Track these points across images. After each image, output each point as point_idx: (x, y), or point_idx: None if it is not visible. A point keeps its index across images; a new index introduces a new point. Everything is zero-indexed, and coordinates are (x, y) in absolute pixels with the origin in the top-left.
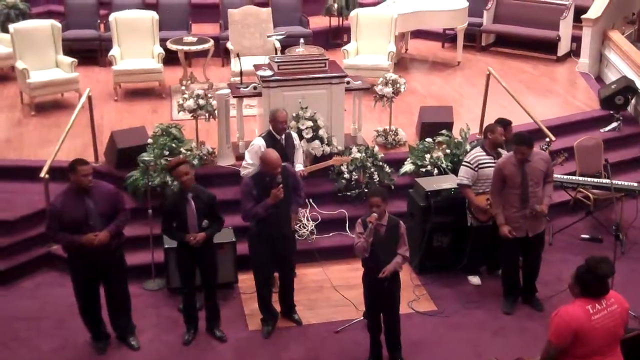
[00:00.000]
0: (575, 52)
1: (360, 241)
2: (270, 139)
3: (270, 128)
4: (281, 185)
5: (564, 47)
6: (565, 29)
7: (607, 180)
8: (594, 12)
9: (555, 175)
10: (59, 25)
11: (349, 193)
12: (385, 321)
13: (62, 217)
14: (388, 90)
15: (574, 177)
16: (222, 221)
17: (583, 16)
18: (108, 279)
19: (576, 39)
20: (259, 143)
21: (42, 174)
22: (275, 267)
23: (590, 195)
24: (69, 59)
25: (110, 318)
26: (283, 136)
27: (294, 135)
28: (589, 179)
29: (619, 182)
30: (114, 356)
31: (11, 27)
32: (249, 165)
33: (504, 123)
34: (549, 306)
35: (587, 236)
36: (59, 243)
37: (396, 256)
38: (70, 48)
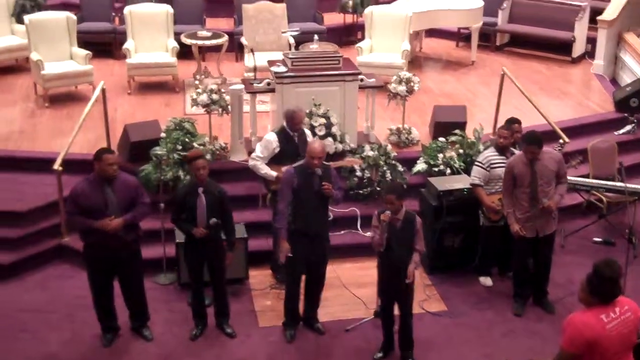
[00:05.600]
0: (590, 54)
1: (375, 236)
2: (283, 136)
3: (285, 124)
4: (324, 183)
5: (578, 49)
6: (581, 30)
7: (621, 184)
8: (609, 13)
9: (568, 178)
10: (74, 17)
11: (361, 191)
12: (399, 314)
13: (81, 203)
14: (402, 88)
15: (587, 180)
16: (231, 216)
17: (599, 17)
18: (123, 272)
19: (591, 41)
20: (271, 138)
21: (55, 166)
22: (305, 268)
23: (604, 198)
24: (83, 52)
25: (127, 308)
26: (297, 133)
27: (308, 132)
28: (602, 182)
29: (633, 186)
30: (124, 349)
31: (26, 18)
32: (258, 158)
33: (509, 121)
34: (560, 308)
35: (599, 239)
36: (75, 225)
37: (413, 253)
38: (85, 40)
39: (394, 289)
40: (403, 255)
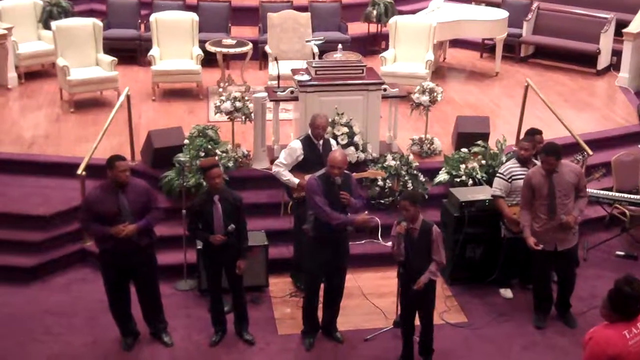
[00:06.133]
0: (615, 66)
1: (395, 246)
2: (308, 143)
3: (309, 132)
4: (342, 193)
5: (603, 61)
6: (606, 42)
7: None
8: (635, 26)
9: (591, 191)
10: (101, 24)
11: (382, 201)
12: (420, 321)
13: (95, 210)
14: (425, 98)
15: (610, 193)
16: (245, 224)
17: (624, 30)
18: (138, 277)
19: (616, 53)
20: (296, 146)
21: (79, 171)
22: (324, 275)
23: (627, 211)
24: (109, 58)
25: (142, 314)
26: (321, 142)
27: (333, 142)
28: (625, 195)
29: None
30: (143, 353)
31: (53, 24)
32: (281, 165)
33: (532, 132)
34: (583, 322)
35: (622, 253)
36: (90, 233)
37: (431, 263)
38: (111, 47)
39: (412, 298)
40: (421, 265)
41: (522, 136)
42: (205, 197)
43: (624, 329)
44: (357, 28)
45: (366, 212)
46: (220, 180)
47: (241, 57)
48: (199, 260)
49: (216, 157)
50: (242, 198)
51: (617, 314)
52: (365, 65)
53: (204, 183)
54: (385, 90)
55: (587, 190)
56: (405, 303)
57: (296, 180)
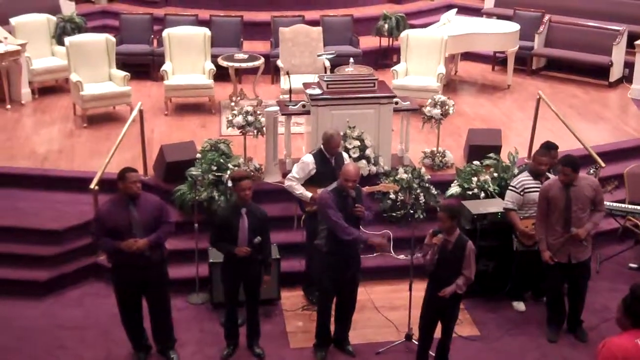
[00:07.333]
0: (627, 78)
1: (427, 255)
2: (321, 157)
3: (322, 147)
4: (357, 206)
5: (616, 73)
6: (618, 54)
7: None
8: None
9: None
10: (113, 39)
11: (394, 214)
12: (441, 333)
13: (106, 224)
14: (436, 111)
15: (623, 205)
16: (269, 239)
17: (636, 42)
18: (150, 292)
19: (629, 65)
20: (308, 160)
21: (92, 186)
22: (337, 289)
23: None
24: (121, 73)
25: (152, 331)
26: (333, 156)
27: (345, 155)
28: (638, 207)
29: None
30: None
31: (67, 40)
32: (293, 179)
33: (548, 147)
34: (595, 335)
35: (635, 265)
36: (101, 248)
37: (459, 277)
38: (124, 62)
39: (437, 310)
40: (451, 277)
41: (534, 149)
42: (231, 210)
43: (636, 336)
44: (369, 42)
45: (384, 231)
46: (250, 193)
47: (253, 71)
48: (211, 273)
49: (236, 169)
50: (267, 214)
51: (630, 318)
52: (376, 79)
53: (217, 197)
54: (396, 103)
55: None
56: (429, 314)
57: (309, 194)
